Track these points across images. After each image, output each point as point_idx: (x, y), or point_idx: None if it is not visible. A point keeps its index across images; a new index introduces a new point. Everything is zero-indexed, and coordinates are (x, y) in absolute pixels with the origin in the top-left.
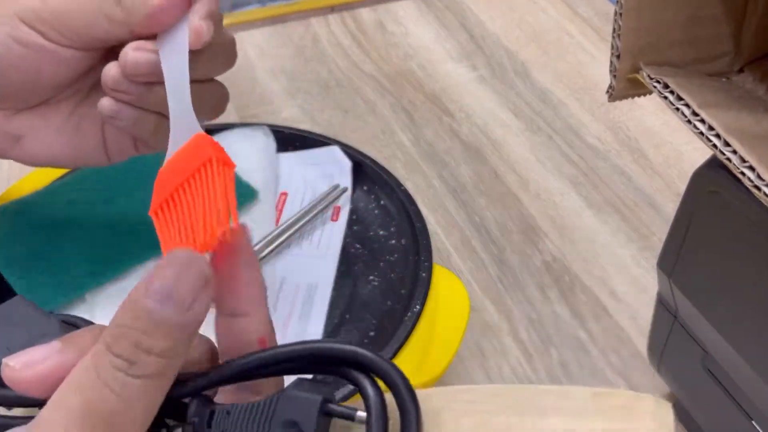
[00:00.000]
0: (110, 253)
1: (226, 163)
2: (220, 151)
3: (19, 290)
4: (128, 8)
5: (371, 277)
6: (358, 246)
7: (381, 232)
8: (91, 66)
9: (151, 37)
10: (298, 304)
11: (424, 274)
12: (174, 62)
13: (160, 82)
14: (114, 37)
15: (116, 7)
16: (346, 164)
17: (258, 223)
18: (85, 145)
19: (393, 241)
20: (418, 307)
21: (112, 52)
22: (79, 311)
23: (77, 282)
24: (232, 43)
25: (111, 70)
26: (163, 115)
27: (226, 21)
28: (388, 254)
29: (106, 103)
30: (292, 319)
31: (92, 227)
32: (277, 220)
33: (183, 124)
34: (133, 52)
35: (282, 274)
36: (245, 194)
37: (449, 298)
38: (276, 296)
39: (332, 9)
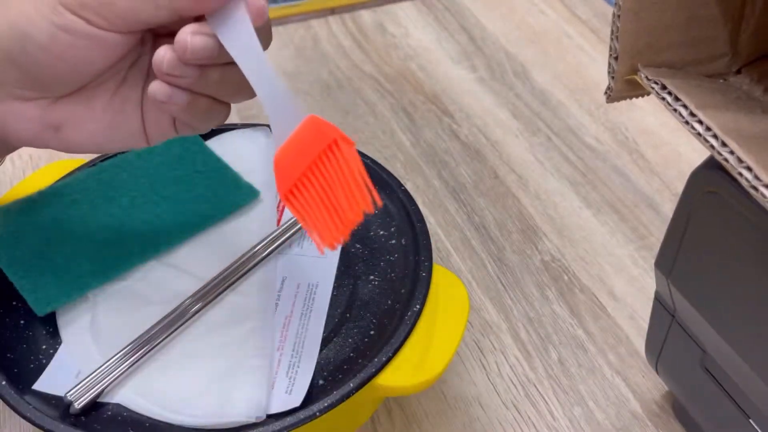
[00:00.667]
0: (112, 253)
1: (347, 141)
2: (338, 131)
3: (21, 289)
4: None
5: (371, 277)
6: (358, 246)
7: (381, 232)
8: (131, 48)
9: (199, 18)
10: (299, 304)
11: (424, 274)
12: (244, 45)
13: (214, 65)
14: (159, 20)
15: None
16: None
17: (259, 223)
18: (126, 128)
19: (393, 241)
20: (418, 306)
21: (149, 32)
22: (81, 310)
23: (79, 282)
24: (269, 21)
25: (166, 54)
26: (213, 99)
27: None
28: (388, 254)
29: (158, 87)
30: (293, 319)
31: (95, 227)
32: (279, 221)
33: (283, 108)
34: (192, 37)
35: (283, 274)
36: (247, 194)
37: (449, 298)
38: (277, 296)
39: (333, 11)
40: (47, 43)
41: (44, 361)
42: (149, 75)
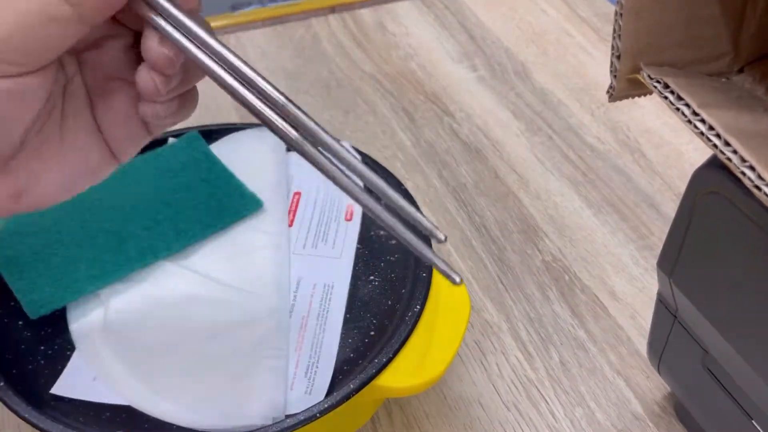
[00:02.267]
0: (111, 258)
1: None
2: None
3: (16, 291)
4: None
5: (371, 277)
6: (358, 246)
7: (381, 232)
8: (53, 81)
9: (129, 21)
10: (316, 304)
11: (424, 274)
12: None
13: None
14: (72, 40)
15: (63, 4)
16: (357, 159)
17: (268, 224)
18: (90, 161)
19: (393, 241)
20: (418, 307)
21: (65, 54)
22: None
23: (75, 286)
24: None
25: (149, 78)
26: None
27: (226, 22)
28: (388, 254)
29: (155, 109)
30: (309, 319)
31: (94, 231)
32: (291, 222)
33: None
34: (159, 48)
35: (298, 274)
36: (251, 205)
37: (449, 298)
38: (293, 296)
39: (333, 9)
40: None
41: (42, 362)
42: (88, 94)
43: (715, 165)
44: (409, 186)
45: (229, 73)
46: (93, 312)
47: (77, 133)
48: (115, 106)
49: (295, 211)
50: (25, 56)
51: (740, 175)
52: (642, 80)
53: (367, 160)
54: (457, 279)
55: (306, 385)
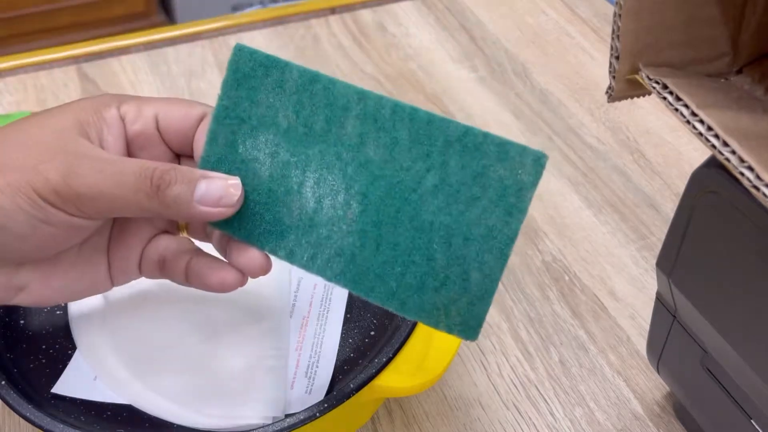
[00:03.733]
0: None
1: None
2: None
3: None
4: (168, 204)
5: None
6: None
7: None
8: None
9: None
10: (316, 304)
11: None
12: None
13: None
14: (138, 215)
15: (152, 200)
16: None
17: None
18: (91, 277)
19: None
20: None
21: None
22: (94, 312)
23: None
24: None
25: (234, 276)
26: None
27: (227, 23)
28: None
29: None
30: (310, 318)
31: None
32: None
33: None
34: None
35: (298, 274)
36: None
37: None
38: (293, 296)
39: (333, 10)
40: (27, 234)
41: (43, 361)
42: (115, 222)
43: (713, 165)
44: None
45: None
46: (94, 311)
47: (93, 252)
48: (128, 240)
49: None
50: (97, 213)
51: (739, 176)
52: (641, 81)
53: None
54: None
55: (306, 384)
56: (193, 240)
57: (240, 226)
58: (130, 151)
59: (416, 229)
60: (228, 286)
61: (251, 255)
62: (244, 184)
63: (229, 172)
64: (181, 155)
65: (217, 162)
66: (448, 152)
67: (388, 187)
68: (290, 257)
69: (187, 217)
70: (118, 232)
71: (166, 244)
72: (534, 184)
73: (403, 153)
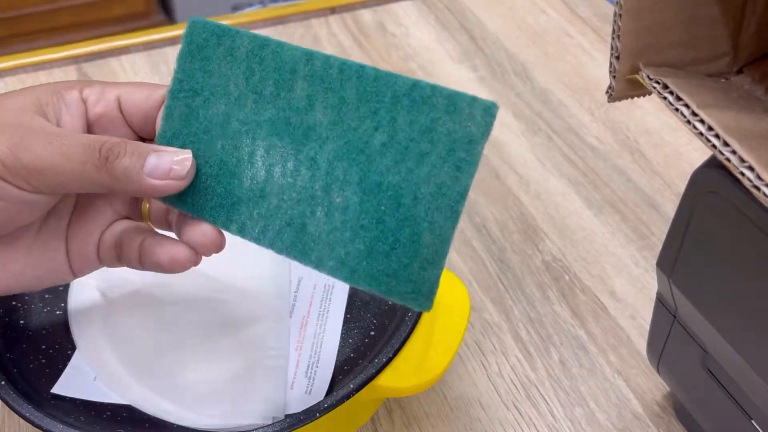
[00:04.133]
0: None
1: None
2: None
3: None
4: (117, 176)
5: None
6: None
7: None
8: (59, 199)
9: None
10: (316, 304)
11: None
12: None
13: None
14: (89, 191)
15: (101, 173)
16: None
17: None
18: (51, 264)
19: None
20: None
21: None
22: (94, 312)
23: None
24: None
25: (185, 252)
26: None
27: (227, 22)
28: None
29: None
30: (310, 318)
31: None
32: None
33: None
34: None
35: (298, 274)
36: None
37: (449, 298)
38: (293, 296)
39: (333, 10)
40: None
41: (43, 361)
42: (76, 206)
43: (714, 165)
44: None
45: None
46: (94, 311)
47: (53, 234)
48: (87, 224)
49: None
50: (47, 187)
51: (739, 176)
52: (641, 81)
53: None
54: None
55: (306, 385)
56: (155, 228)
57: (193, 202)
58: (91, 133)
59: (365, 192)
60: (179, 263)
61: (203, 230)
62: (196, 157)
63: (182, 146)
64: (146, 139)
65: (172, 137)
66: (396, 108)
67: (336, 149)
68: (242, 231)
69: (137, 191)
70: (78, 217)
71: (123, 227)
72: (484, 135)
73: (350, 112)
